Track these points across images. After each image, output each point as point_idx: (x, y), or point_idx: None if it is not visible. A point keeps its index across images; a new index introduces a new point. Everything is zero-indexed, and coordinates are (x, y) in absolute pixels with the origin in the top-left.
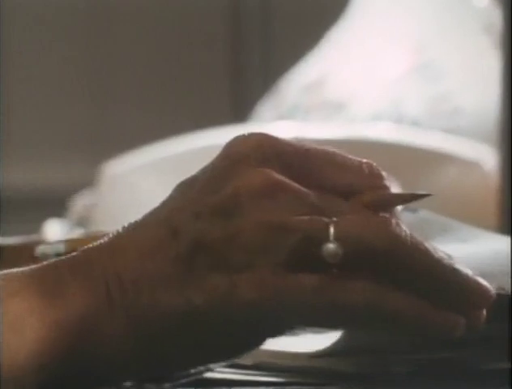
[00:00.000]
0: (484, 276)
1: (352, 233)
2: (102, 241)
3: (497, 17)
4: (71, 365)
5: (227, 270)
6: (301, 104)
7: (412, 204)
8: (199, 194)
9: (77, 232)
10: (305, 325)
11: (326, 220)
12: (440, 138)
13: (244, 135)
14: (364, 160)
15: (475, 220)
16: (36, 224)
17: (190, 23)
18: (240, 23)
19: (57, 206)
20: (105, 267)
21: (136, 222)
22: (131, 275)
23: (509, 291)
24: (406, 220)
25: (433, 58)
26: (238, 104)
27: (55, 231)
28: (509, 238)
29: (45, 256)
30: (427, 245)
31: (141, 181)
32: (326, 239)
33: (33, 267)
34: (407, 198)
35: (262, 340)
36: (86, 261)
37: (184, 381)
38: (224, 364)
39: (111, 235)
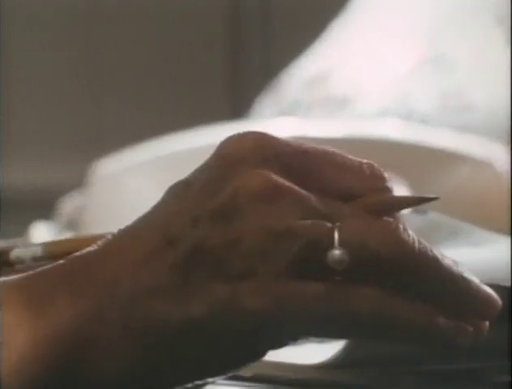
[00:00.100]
0: (496, 282)
1: (356, 238)
2: (92, 248)
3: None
4: (62, 380)
5: (227, 278)
6: (303, 100)
7: (422, 207)
8: (196, 198)
9: (65, 236)
10: (309, 335)
11: (329, 224)
12: (450, 136)
13: (239, 135)
14: (365, 161)
15: (487, 222)
16: (21, 227)
17: (190, 22)
18: (239, 22)
19: (44, 207)
20: (96, 277)
21: (128, 228)
22: (125, 286)
23: None
24: (414, 223)
25: (443, 51)
26: (236, 100)
27: (42, 234)
28: None
29: (20, 260)
30: (435, 251)
31: (135, 181)
32: (331, 245)
33: (21, 275)
34: (411, 202)
35: (263, 352)
36: (75, 270)
37: None
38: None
39: (101, 242)
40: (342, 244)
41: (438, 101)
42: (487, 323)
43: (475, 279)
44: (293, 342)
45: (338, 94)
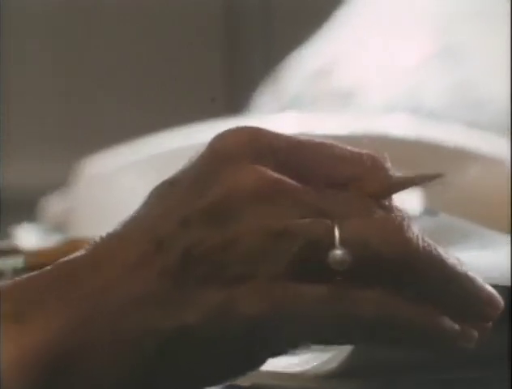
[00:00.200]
0: (507, 284)
1: (358, 237)
2: (80, 253)
3: None
4: None
5: (222, 281)
6: (306, 94)
7: (432, 207)
8: (184, 197)
9: (53, 239)
10: (309, 340)
11: (329, 222)
12: (461, 132)
13: (232, 129)
14: (365, 151)
15: (499, 223)
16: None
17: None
18: (239, 21)
19: (29, 208)
20: (84, 284)
21: (114, 233)
22: (114, 293)
23: None
24: (425, 226)
25: (454, 43)
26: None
27: (29, 237)
28: None
29: (1, 272)
30: (440, 249)
31: (128, 180)
32: (332, 244)
33: (7, 283)
34: (412, 182)
35: (262, 360)
36: (63, 276)
37: None
38: (220, 386)
39: (89, 246)
40: (343, 243)
41: (448, 95)
42: (489, 325)
43: (479, 279)
44: (293, 349)
45: (342, 87)
